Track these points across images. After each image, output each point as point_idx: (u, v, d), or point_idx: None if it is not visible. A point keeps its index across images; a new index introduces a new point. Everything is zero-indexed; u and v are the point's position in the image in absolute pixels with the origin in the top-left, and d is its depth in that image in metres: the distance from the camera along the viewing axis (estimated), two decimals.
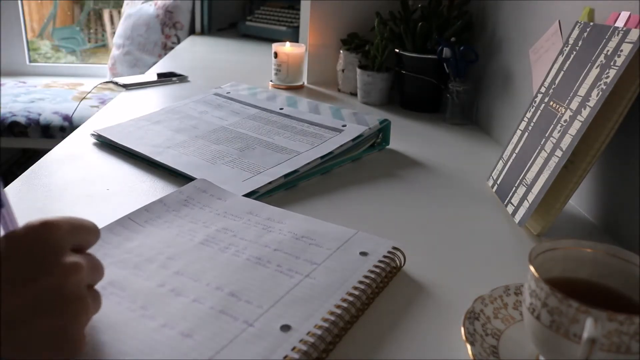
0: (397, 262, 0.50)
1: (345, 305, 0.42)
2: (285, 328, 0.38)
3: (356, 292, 0.43)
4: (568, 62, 0.63)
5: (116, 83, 1.17)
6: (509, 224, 0.62)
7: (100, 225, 0.50)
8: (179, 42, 2.14)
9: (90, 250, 0.38)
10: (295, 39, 1.69)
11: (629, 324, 0.31)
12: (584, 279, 0.39)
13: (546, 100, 0.65)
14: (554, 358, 0.35)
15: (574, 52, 0.62)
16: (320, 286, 0.44)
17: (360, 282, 0.45)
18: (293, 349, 0.36)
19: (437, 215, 0.64)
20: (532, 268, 0.35)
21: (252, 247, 0.49)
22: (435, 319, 0.44)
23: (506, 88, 0.90)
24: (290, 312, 0.40)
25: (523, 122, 0.69)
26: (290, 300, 0.42)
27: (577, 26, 0.64)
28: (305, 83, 1.25)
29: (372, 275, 0.46)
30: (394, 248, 0.50)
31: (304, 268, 0.46)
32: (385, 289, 0.47)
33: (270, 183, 0.65)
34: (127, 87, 1.14)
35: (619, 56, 0.52)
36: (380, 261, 0.48)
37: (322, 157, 0.71)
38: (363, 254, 0.49)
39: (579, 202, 0.66)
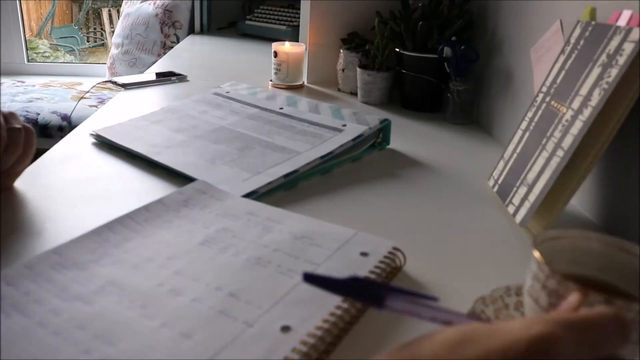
0: (397, 262, 0.50)
1: (345, 306, 0.41)
2: (285, 329, 0.38)
3: None
4: (569, 62, 0.62)
5: (115, 82, 1.16)
6: (509, 225, 0.62)
7: (99, 224, 0.51)
8: (178, 41, 2.14)
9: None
10: (295, 38, 1.68)
11: (627, 310, 0.31)
12: (587, 275, 0.39)
13: (547, 99, 0.65)
14: None
15: (576, 52, 0.62)
16: None
17: None
18: (293, 350, 0.36)
19: (438, 216, 0.63)
20: (535, 253, 0.35)
21: (251, 247, 0.49)
22: None
23: (507, 87, 0.90)
24: (290, 313, 0.40)
25: (524, 121, 0.69)
26: (290, 301, 0.41)
27: (579, 25, 0.63)
28: (305, 83, 1.25)
29: (373, 276, 0.46)
30: (394, 248, 0.50)
31: (303, 268, 0.46)
32: None
33: (270, 183, 0.64)
34: (126, 86, 1.13)
35: (620, 55, 0.52)
36: (380, 262, 0.48)
37: (322, 157, 0.71)
38: (363, 254, 0.48)
39: (581, 202, 0.66)
